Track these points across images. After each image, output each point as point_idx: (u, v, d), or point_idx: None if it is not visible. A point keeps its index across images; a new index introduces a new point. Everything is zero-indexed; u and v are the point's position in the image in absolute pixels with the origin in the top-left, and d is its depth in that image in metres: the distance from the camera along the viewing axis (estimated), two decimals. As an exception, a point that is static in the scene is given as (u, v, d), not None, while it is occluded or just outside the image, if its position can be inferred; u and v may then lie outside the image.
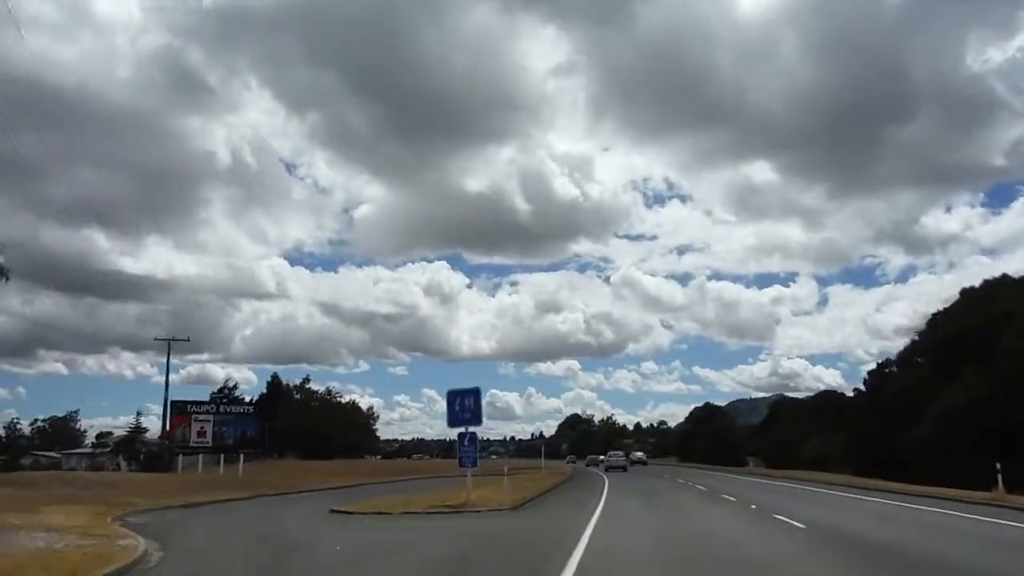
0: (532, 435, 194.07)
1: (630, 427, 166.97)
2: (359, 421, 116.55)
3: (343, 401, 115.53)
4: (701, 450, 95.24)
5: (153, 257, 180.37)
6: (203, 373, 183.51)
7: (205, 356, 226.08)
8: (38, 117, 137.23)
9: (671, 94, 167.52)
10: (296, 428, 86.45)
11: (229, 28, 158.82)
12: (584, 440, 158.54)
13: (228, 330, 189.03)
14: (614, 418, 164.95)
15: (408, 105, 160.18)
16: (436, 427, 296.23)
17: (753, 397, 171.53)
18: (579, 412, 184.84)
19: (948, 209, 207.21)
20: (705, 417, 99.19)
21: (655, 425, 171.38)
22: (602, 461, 69.64)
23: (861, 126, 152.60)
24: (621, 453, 76.03)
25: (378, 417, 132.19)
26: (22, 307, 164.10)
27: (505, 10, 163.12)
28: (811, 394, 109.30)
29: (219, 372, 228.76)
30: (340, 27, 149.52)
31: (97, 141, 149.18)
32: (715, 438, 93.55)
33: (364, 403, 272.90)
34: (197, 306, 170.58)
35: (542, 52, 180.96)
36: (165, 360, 60.93)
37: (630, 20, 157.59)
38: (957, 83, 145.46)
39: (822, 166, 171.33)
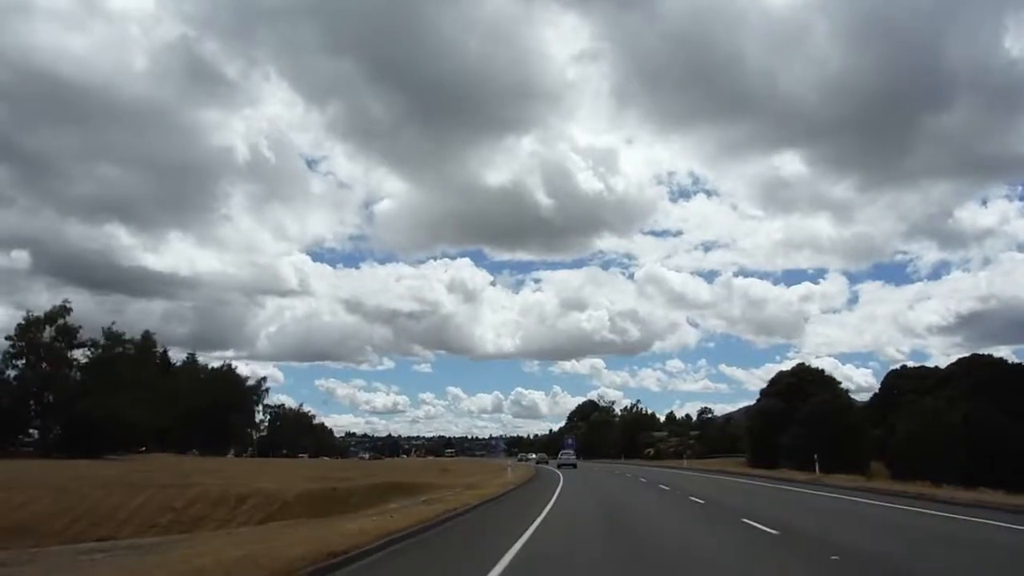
0: (550, 431, 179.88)
1: (661, 417, 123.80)
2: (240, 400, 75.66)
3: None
4: (793, 444, 53.30)
5: (176, 253, 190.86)
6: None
7: (231, 353, 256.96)
8: (54, 111, 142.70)
9: (697, 82, 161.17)
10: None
11: (244, 17, 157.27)
12: (598, 433, 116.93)
13: (253, 327, 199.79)
14: (640, 405, 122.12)
15: (427, 94, 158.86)
16: (461, 425, 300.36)
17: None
18: (595, 399, 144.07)
19: (984, 202, 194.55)
20: (797, 385, 56.90)
21: (690, 416, 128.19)
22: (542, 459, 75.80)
23: (894, 115, 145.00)
24: (572, 452, 74.48)
25: (266, 390, 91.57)
26: (48, 304, 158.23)
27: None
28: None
29: (244, 369, 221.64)
30: (357, 15, 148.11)
31: (114, 135, 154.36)
32: (823, 423, 51.73)
33: (385, 400, 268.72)
34: (221, 303, 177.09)
35: (563, 39, 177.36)
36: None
37: (653, 5, 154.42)
38: (995, 69, 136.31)
39: (853, 157, 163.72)
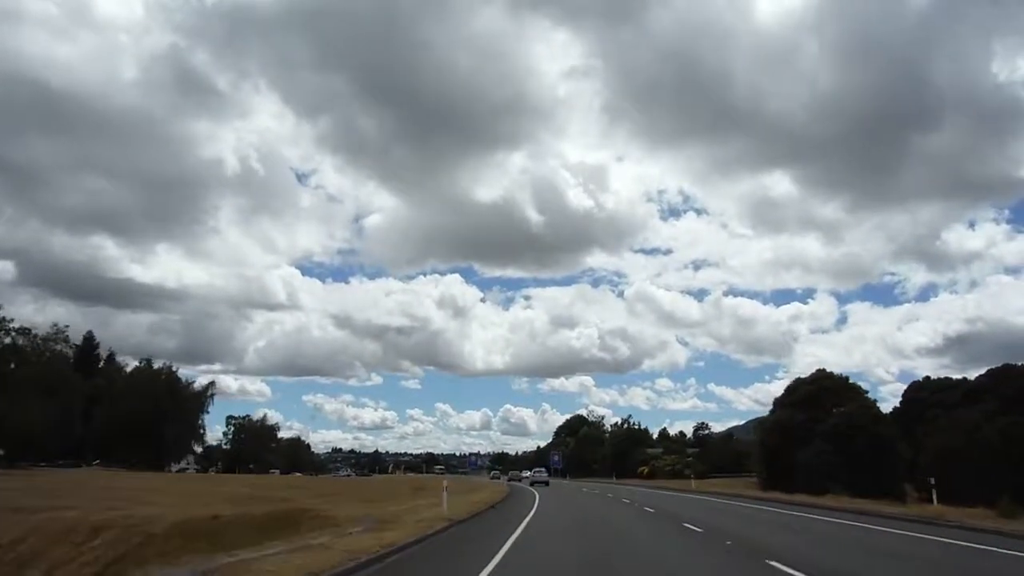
0: (537, 447, 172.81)
1: (654, 432, 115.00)
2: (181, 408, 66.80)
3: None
4: (817, 462, 45.53)
5: (163, 266, 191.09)
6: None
7: (218, 367, 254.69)
8: (41, 120, 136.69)
9: (687, 100, 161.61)
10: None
11: (235, 29, 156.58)
12: (587, 449, 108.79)
13: (241, 341, 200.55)
14: (632, 420, 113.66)
15: (418, 109, 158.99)
16: (450, 442, 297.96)
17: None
18: (584, 413, 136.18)
19: (971, 225, 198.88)
20: (817, 394, 49.15)
21: (684, 433, 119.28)
22: (525, 477, 75.42)
23: (883, 136, 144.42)
24: (544, 470, 73.94)
25: (211, 396, 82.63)
26: (34, 315, 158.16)
27: (515, 13, 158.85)
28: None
29: (232, 383, 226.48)
30: (349, 30, 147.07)
31: (102, 145, 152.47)
32: (853, 438, 44.12)
33: (373, 415, 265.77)
34: (209, 316, 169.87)
35: (554, 55, 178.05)
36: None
37: (645, 22, 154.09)
38: (983, 92, 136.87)
39: (842, 177, 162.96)
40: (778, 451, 48.24)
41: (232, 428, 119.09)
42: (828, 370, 52.38)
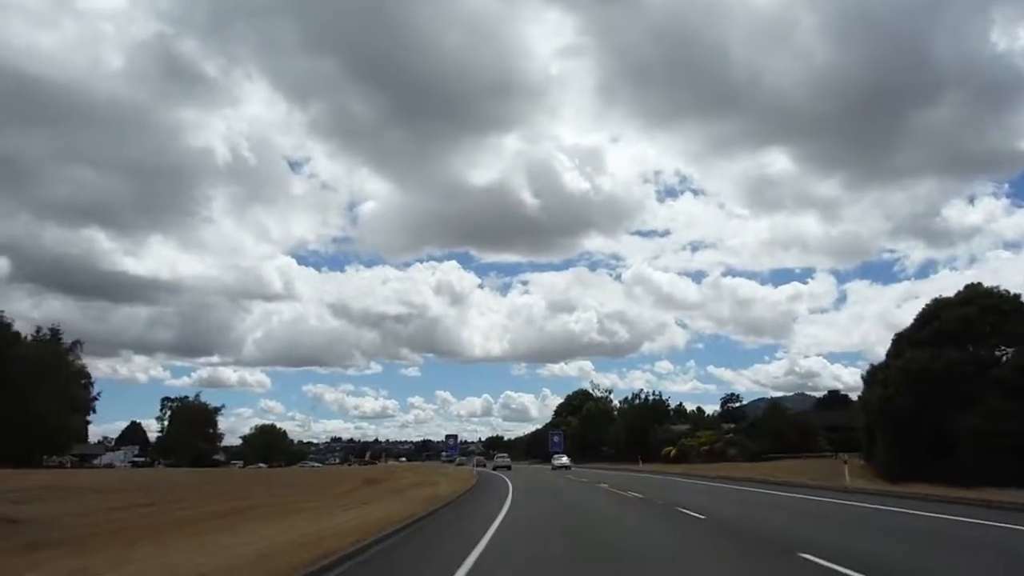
0: (535, 430, 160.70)
1: (673, 405, 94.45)
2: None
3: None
4: (992, 431, 25.38)
5: (157, 257, 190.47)
6: (214, 376, 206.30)
7: (216, 359, 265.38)
8: (26, 111, 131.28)
9: (682, 78, 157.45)
10: None
11: (222, 15, 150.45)
12: (594, 428, 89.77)
13: (239, 332, 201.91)
14: (645, 393, 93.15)
15: (410, 92, 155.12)
16: (451, 428, 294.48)
17: (771, 396, 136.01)
18: (588, 388, 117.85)
19: (971, 200, 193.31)
20: (975, 320, 28.97)
21: (702, 409, 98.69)
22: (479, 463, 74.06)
23: (880, 111, 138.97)
24: (506, 455, 75.53)
25: (71, 361, 61.88)
26: (30, 311, 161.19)
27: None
28: None
29: (231, 375, 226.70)
30: (338, 13, 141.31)
31: (90, 136, 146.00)
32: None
33: (374, 404, 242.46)
34: (205, 308, 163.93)
35: (546, 34, 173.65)
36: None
37: None
38: (982, 64, 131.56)
39: (839, 154, 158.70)
40: (916, 417, 28.59)
41: (169, 413, 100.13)
42: (980, 284, 32.42)
